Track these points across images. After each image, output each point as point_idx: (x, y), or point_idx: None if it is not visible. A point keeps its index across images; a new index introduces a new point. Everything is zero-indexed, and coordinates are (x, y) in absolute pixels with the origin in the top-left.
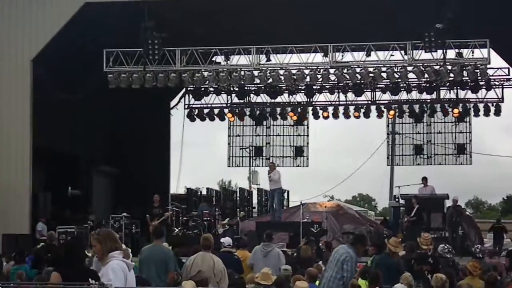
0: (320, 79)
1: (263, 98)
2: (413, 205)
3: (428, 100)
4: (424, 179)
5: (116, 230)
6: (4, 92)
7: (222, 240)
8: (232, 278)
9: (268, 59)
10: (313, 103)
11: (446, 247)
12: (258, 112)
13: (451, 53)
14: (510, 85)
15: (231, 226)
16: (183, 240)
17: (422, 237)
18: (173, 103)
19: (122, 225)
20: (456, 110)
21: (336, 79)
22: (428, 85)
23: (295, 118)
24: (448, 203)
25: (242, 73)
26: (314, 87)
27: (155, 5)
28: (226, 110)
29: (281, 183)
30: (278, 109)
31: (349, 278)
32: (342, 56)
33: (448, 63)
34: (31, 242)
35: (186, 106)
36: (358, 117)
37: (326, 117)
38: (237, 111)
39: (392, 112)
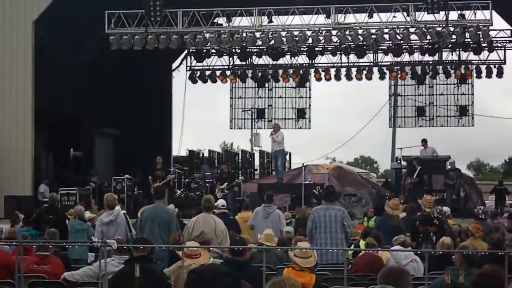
0: (322, 41)
1: (265, 60)
2: (415, 166)
3: (430, 62)
4: (424, 141)
5: (118, 192)
6: (7, 54)
7: (216, 203)
8: (233, 239)
9: (270, 21)
10: (315, 65)
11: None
12: (260, 74)
13: (453, 15)
14: None
15: (230, 188)
16: (185, 202)
17: (425, 199)
18: (175, 65)
19: (124, 187)
20: (458, 72)
21: (338, 41)
22: (430, 46)
23: (297, 80)
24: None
25: (244, 34)
26: (316, 49)
27: None
28: (228, 72)
29: (284, 145)
30: (280, 71)
31: (351, 233)
32: (345, 17)
33: (451, 25)
34: (33, 203)
35: (188, 68)
36: (360, 79)
37: (328, 79)
38: (239, 73)
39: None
